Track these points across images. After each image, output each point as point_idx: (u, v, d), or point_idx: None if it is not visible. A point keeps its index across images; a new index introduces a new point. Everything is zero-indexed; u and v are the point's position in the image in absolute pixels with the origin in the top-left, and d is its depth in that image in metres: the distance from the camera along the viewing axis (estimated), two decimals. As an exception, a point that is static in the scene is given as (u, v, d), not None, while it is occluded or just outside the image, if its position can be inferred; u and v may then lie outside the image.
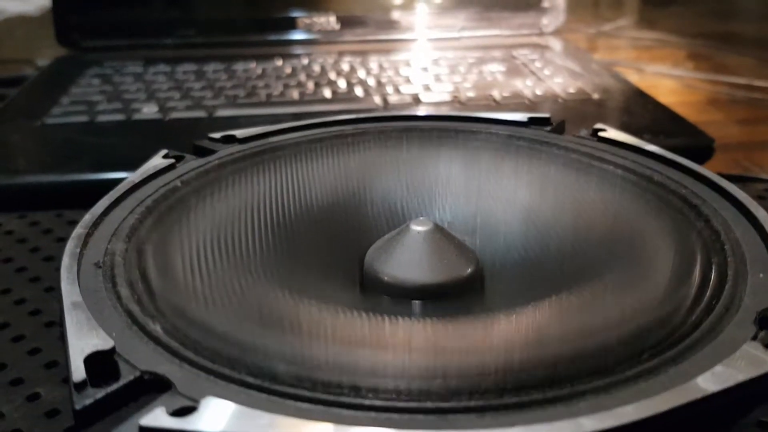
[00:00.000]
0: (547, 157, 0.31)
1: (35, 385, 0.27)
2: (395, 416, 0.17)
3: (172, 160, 0.30)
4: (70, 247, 0.24)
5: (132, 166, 0.43)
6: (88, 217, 0.26)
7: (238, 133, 0.33)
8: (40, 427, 0.25)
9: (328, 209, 0.30)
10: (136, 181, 0.28)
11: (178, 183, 0.29)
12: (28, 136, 0.50)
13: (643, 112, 0.53)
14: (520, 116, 0.34)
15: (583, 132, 0.33)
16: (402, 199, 0.31)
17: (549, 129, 0.34)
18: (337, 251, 0.29)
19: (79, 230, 0.25)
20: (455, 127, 0.34)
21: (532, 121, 0.34)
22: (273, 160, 0.31)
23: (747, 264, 0.23)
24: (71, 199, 0.42)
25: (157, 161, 0.30)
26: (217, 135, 0.33)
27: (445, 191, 0.32)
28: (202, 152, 0.32)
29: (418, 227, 0.27)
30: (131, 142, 0.48)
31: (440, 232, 0.27)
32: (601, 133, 0.32)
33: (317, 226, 0.29)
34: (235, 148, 0.32)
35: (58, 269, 0.35)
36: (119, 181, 0.43)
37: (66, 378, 0.27)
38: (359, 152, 0.33)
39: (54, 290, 0.34)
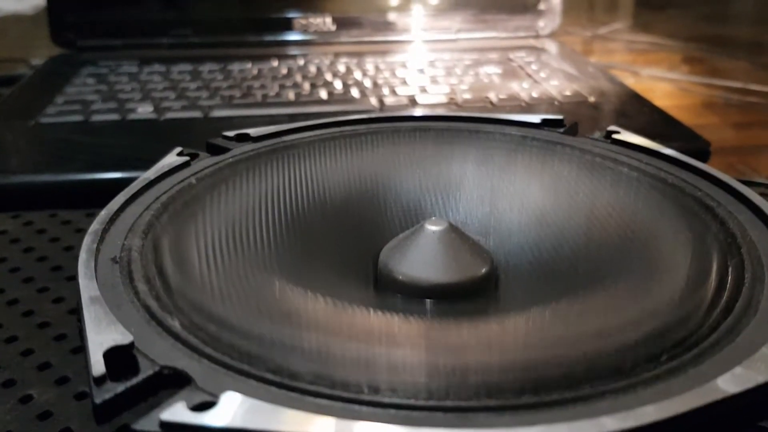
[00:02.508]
0: (560, 158, 0.31)
1: (28, 386, 0.27)
2: (414, 414, 0.17)
3: (187, 158, 0.30)
4: (87, 242, 0.24)
5: (126, 167, 0.43)
6: (104, 213, 0.26)
7: (252, 131, 0.33)
8: (33, 430, 0.25)
9: (342, 208, 0.30)
10: (151, 178, 0.28)
11: (193, 180, 0.29)
12: (22, 136, 0.49)
13: (638, 115, 0.53)
14: (534, 117, 0.34)
15: (597, 134, 0.33)
16: (416, 199, 0.32)
17: (562, 130, 0.34)
18: (351, 250, 0.29)
19: (95, 226, 0.25)
20: (469, 128, 0.34)
21: (546, 123, 0.34)
22: (287, 158, 0.31)
23: (764, 266, 0.23)
24: (65, 199, 0.42)
25: (172, 159, 0.30)
26: (230, 133, 0.33)
27: (459, 191, 0.32)
28: (216, 150, 0.32)
29: (432, 227, 0.27)
30: (126, 142, 0.48)
31: (455, 232, 0.27)
32: (614, 135, 0.32)
33: (332, 224, 0.29)
34: (249, 146, 0.32)
35: (52, 269, 0.35)
36: (113, 181, 0.43)
37: (59, 380, 0.28)
38: (373, 151, 0.33)
39: (48, 291, 0.34)
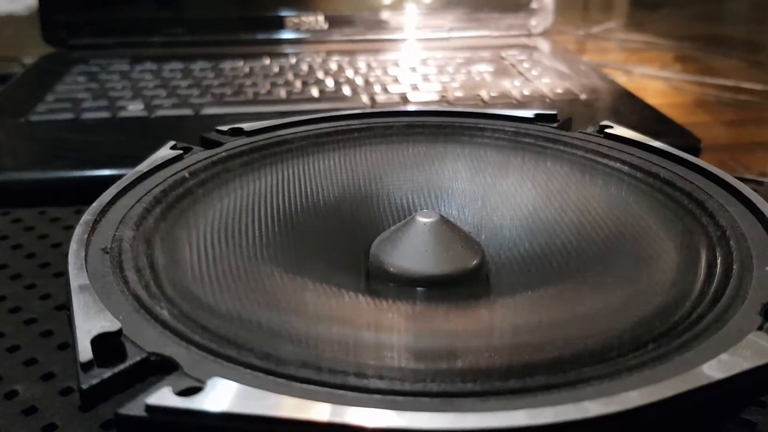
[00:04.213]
0: (553, 153, 0.31)
1: (13, 382, 0.27)
2: (400, 399, 0.17)
3: (180, 152, 0.30)
4: (78, 233, 0.24)
5: (116, 164, 0.43)
6: (96, 205, 0.26)
7: (246, 126, 0.33)
8: (18, 425, 0.25)
9: (334, 202, 0.30)
10: (144, 170, 0.28)
11: (185, 174, 0.29)
12: (13, 133, 0.49)
13: (630, 112, 0.53)
14: (527, 112, 0.34)
15: (590, 129, 0.33)
16: (408, 194, 0.32)
17: (556, 125, 0.34)
18: (343, 243, 0.29)
19: (87, 217, 0.25)
20: (462, 123, 0.34)
21: (539, 118, 0.34)
22: (280, 153, 0.32)
23: (753, 257, 0.23)
24: (54, 196, 0.42)
25: (165, 152, 0.30)
26: (224, 127, 0.33)
27: (451, 186, 0.32)
28: (209, 144, 0.32)
29: (424, 219, 0.27)
30: (116, 139, 0.48)
31: (446, 224, 0.28)
32: (607, 130, 0.32)
33: (323, 218, 0.30)
34: (243, 140, 0.32)
35: (40, 266, 0.35)
36: (103, 178, 0.43)
37: (44, 375, 0.28)
38: (366, 146, 0.33)
39: (35, 287, 0.33)
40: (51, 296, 0.33)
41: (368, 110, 0.36)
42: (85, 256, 0.23)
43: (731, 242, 0.24)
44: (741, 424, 0.25)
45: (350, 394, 0.17)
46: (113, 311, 0.19)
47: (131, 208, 0.26)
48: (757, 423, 0.25)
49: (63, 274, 0.34)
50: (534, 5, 0.74)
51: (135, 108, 0.52)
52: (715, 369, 0.17)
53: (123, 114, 0.52)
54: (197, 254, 0.24)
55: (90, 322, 0.19)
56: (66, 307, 0.20)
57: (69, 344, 0.29)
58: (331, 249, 0.28)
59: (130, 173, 0.28)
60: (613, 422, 0.16)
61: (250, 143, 0.32)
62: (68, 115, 0.51)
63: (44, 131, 0.50)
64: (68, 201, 0.42)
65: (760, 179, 0.46)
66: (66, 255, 0.36)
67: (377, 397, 0.17)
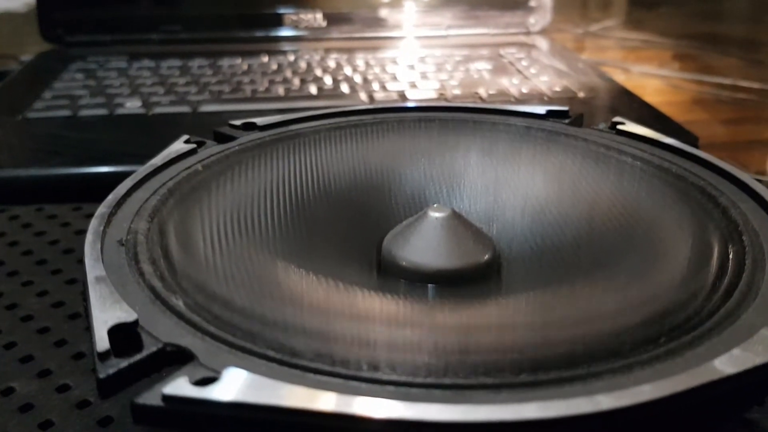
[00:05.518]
0: (564, 147, 0.31)
1: (9, 379, 0.27)
2: (413, 391, 0.17)
3: (194, 146, 0.31)
4: (94, 225, 0.24)
5: (114, 161, 0.43)
6: (111, 198, 0.26)
7: (259, 120, 0.33)
8: (14, 422, 0.25)
9: (346, 196, 0.30)
10: (158, 164, 0.29)
11: (199, 167, 0.29)
12: (9, 130, 0.49)
13: (628, 111, 0.53)
14: (539, 108, 0.35)
15: (602, 125, 0.33)
16: (420, 188, 0.32)
17: (567, 121, 0.34)
18: (355, 237, 0.29)
19: (102, 209, 0.25)
20: (473, 118, 0.34)
21: (551, 114, 0.34)
22: (293, 147, 0.32)
23: (765, 253, 0.23)
24: (52, 193, 0.42)
25: (179, 146, 0.30)
26: (237, 122, 0.33)
27: (463, 180, 0.32)
28: (222, 139, 0.32)
29: (435, 213, 0.27)
30: (113, 136, 0.48)
31: (458, 219, 0.28)
32: (619, 126, 0.32)
33: (336, 211, 0.30)
34: (256, 135, 0.32)
35: (37, 263, 0.35)
36: (100, 175, 0.43)
37: (41, 372, 0.27)
38: (378, 140, 0.33)
39: (32, 284, 0.33)
40: (48, 293, 0.33)
41: (380, 105, 0.36)
42: (101, 248, 0.23)
43: (744, 237, 0.24)
44: (741, 422, 0.25)
45: (363, 385, 0.17)
46: (129, 302, 0.20)
47: (146, 201, 0.26)
48: (755, 421, 0.25)
49: (60, 271, 0.34)
50: (532, 3, 0.74)
51: (133, 105, 0.52)
52: (726, 364, 0.17)
53: (120, 111, 0.52)
54: (211, 246, 0.24)
55: (107, 312, 0.19)
56: (82, 297, 0.20)
57: (66, 341, 0.29)
58: (343, 242, 0.29)
59: (144, 167, 0.28)
60: (624, 416, 0.16)
61: (263, 137, 0.32)
62: (65, 112, 0.51)
63: (41, 128, 0.49)
64: (65, 198, 0.41)
65: (758, 177, 0.46)
66: (65, 252, 0.36)
67: (390, 388, 0.17)
